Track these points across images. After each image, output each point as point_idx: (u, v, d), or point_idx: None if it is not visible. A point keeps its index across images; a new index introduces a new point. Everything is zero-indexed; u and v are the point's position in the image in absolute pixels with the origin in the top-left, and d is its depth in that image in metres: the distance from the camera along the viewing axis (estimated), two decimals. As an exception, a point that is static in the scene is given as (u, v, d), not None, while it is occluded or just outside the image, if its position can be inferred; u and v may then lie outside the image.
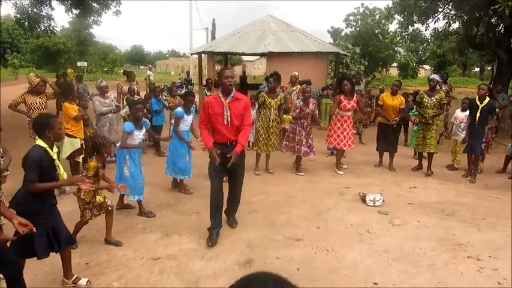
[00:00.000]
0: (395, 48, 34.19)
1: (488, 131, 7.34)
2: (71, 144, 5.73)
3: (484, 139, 6.86)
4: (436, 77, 7.15)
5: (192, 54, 19.80)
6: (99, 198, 3.83)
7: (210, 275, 3.42)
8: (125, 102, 8.06)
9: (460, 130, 7.19)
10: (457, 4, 11.70)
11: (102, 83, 7.28)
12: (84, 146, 4.69)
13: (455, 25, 13.60)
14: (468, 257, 3.77)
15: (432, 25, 13.67)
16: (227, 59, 20.84)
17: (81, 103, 6.54)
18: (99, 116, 6.98)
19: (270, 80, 6.74)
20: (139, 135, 4.77)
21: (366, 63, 28.71)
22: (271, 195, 5.57)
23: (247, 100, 4.20)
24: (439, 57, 37.34)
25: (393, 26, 27.85)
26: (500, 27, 12.71)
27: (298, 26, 15.08)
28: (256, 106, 6.98)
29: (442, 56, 35.96)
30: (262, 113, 6.59)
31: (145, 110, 8.10)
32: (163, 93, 10.43)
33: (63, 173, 3.04)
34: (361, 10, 32.99)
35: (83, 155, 5.00)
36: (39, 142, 2.91)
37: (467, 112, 6.78)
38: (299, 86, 8.43)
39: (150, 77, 21.15)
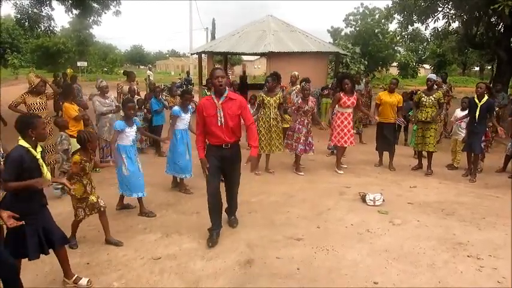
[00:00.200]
0: (395, 48, 34.27)
1: (488, 129, 7.36)
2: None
3: (483, 137, 6.88)
4: (433, 76, 7.19)
5: (192, 54, 19.82)
6: (92, 198, 3.84)
7: (211, 275, 3.43)
8: (125, 102, 8.07)
9: (460, 129, 7.21)
10: (457, 3, 11.70)
11: (102, 83, 7.28)
12: None
13: (455, 24, 13.62)
14: (468, 256, 3.78)
15: (432, 24, 13.68)
16: (227, 59, 20.86)
17: (74, 101, 6.52)
18: (99, 116, 6.98)
19: (268, 80, 6.79)
20: (131, 132, 4.78)
21: (366, 62, 28.74)
22: (271, 195, 5.57)
23: (242, 99, 4.08)
24: (438, 56, 37.39)
25: (393, 26, 27.95)
26: (500, 27, 12.71)
27: (298, 25, 15.10)
28: (256, 106, 7.00)
29: (442, 55, 36.00)
30: (262, 112, 6.61)
31: (145, 110, 8.25)
32: (164, 93, 10.44)
33: (46, 173, 3.02)
34: (361, 10, 33.08)
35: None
36: (21, 142, 2.90)
37: (467, 111, 6.80)
38: (299, 86, 8.44)
39: (150, 77, 21.17)
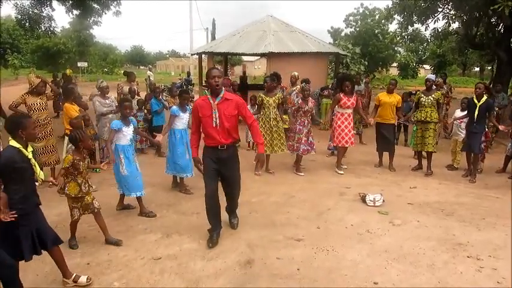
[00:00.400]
0: (395, 48, 34.29)
1: (488, 129, 7.38)
2: (71, 145, 5.74)
3: (484, 138, 6.89)
4: (432, 77, 7.22)
5: (192, 54, 19.82)
6: (87, 199, 3.84)
7: (211, 275, 3.43)
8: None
9: (460, 130, 7.22)
10: (457, 4, 11.69)
11: (102, 83, 7.29)
12: None
13: (455, 25, 13.59)
14: (468, 257, 3.78)
15: (432, 25, 13.64)
16: (227, 59, 20.86)
17: (75, 102, 6.54)
18: (99, 117, 7.00)
19: (266, 80, 6.84)
20: (128, 132, 4.79)
21: (366, 63, 28.75)
22: (271, 196, 5.58)
23: (238, 99, 3.99)
24: (439, 57, 37.37)
25: (393, 26, 28.02)
26: (500, 27, 12.71)
27: (298, 26, 15.11)
28: (256, 107, 7.02)
29: (442, 55, 36.00)
30: (262, 113, 6.62)
31: (146, 111, 8.26)
32: (164, 94, 10.46)
33: (39, 172, 3.02)
34: (361, 10, 33.09)
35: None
36: (12, 142, 2.89)
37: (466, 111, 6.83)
38: (299, 86, 8.45)
39: (151, 78, 21.17)
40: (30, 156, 2.94)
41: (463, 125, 7.07)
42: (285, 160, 7.36)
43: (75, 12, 15.08)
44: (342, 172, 6.88)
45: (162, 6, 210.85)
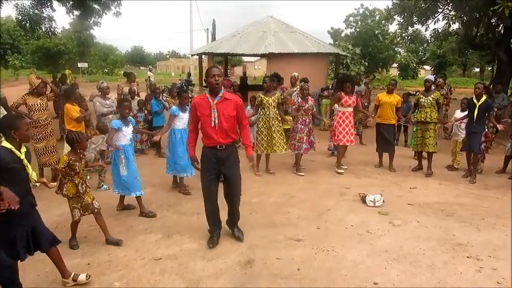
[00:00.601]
0: (396, 49, 34.28)
1: (488, 129, 7.38)
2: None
3: (484, 138, 6.90)
4: (431, 77, 7.24)
5: (192, 55, 19.84)
6: (87, 199, 3.85)
7: (211, 275, 3.44)
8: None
9: (460, 130, 7.23)
10: (457, 5, 11.69)
11: (103, 84, 7.31)
12: None
13: (455, 26, 13.58)
14: (468, 257, 3.79)
15: (432, 26, 13.60)
16: (227, 60, 20.88)
17: (76, 103, 6.56)
18: (99, 117, 7.01)
19: (265, 80, 6.93)
20: (128, 131, 4.81)
21: (366, 63, 28.77)
22: (271, 196, 5.59)
23: (238, 99, 3.93)
24: (439, 57, 37.38)
25: (393, 27, 27.89)
26: (500, 28, 12.71)
27: (298, 26, 15.14)
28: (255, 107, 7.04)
29: (442, 56, 36.01)
30: (261, 113, 6.63)
31: (146, 111, 8.27)
32: (164, 94, 10.46)
33: (32, 173, 3.02)
34: (361, 11, 33.11)
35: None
36: (4, 143, 2.88)
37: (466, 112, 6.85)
38: (299, 87, 8.47)
39: (151, 78, 21.17)
40: (22, 157, 2.93)
41: (463, 126, 7.07)
42: (285, 160, 7.37)
43: (76, 12, 15.10)
44: (342, 171, 6.89)
45: (162, 7, 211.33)
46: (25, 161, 2.95)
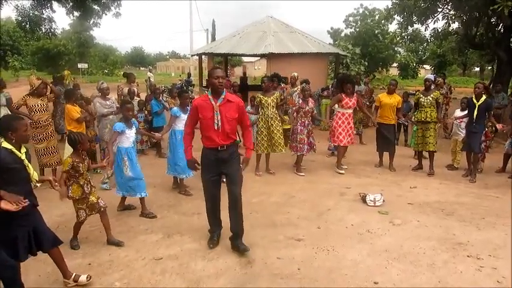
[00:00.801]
0: (395, 49, 34.30)
1: (488, 129, 7.39)
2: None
3: (484, 137, 6.91)
4: (430, 77, 7.25)
5: (192, 55, 19.85)
6: (92, 199, 3.86)
7: (212, 275, 3.45)
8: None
9: (460, 130, 7.23)
10: (457, 4, 11.71)
11: (103, 84, 7.31)
12: None
13: (455, 25, 13.61)
14: (468, 256, 3.79)
15: (432, 25, 13.63)
16: (227, 60, 20.90)
17: (76, 103, 6.56)
18: (99, 118, 7.01)
19: (264, 80, 6.95)
20: (131, 134, 4.81)
21: (366, 63, 28.80)
22: (271, 196, 5.60)
23: (240, 102, 3.85)
24: (439, 57, 37.39)
25: (393, 27, 27.94)
26: (500, 27, 12.72)
27: (298, 26, 15.17)
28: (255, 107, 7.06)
29: (442, 56, 36.01)
30: (261, 113, 6.65)
31: (146, 112, 8.28)
32: (164, 95, 10.46)
33: (33, 173, 3.02)
34: (361, 11, 33.13)
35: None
36: (4, 144, 2.88)
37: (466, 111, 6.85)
38: (299, 87, 8.47)
39: (151, 79, 21.18)
40: (23, 157, 2.93)
41: (463, 125, 7.08)
42: (285, 160, 7.37)
43: (76, 13, 15.12)
44: (342, 172, 6.89)
45: (162, 7, 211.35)
46: (26, 161, 2.96)
